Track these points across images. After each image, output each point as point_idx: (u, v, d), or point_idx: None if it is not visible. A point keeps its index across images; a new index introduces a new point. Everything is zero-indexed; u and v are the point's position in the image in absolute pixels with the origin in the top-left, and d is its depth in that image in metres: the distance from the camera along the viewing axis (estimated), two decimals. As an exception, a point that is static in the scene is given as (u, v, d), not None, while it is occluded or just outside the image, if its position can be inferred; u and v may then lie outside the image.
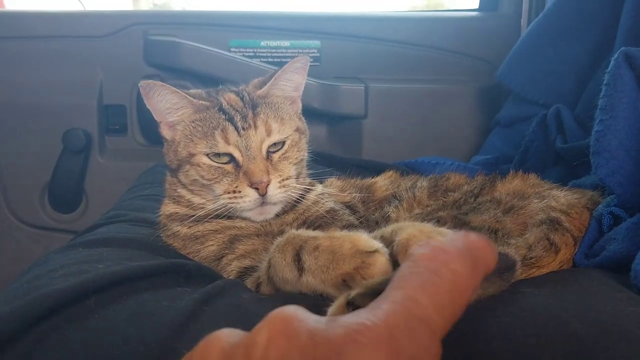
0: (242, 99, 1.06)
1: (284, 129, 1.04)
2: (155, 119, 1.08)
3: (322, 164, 1.55)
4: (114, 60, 2.06)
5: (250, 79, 1.14)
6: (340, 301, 0.54)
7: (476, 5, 2.29)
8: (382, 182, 1.22)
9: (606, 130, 0.99)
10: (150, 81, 1.03)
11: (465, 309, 0.56)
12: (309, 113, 1.96)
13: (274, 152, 1.03)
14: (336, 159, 1.75)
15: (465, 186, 1.10)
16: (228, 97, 1.07)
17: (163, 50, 2.03)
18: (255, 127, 1.00)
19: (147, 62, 2.05)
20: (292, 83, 1.11)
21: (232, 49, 2.08)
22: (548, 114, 1.57)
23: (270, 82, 1.09)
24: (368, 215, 1.13)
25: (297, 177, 1.07)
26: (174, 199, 1.10)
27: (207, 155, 1.00)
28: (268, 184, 0.97)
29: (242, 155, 0.99)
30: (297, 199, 1.07)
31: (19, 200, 2.13)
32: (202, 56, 1.98)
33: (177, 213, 1.07)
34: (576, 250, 0.88)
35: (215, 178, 1.00)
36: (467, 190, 1.07)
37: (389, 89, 2.08)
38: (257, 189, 0.97)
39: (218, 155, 1.00)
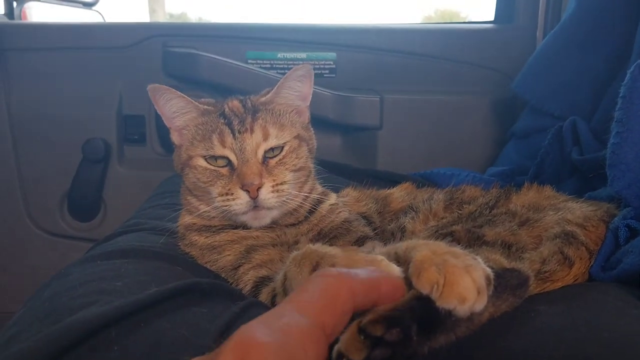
0: (244, 105, 1.09)
1: (282, 134, 1.04)
2: (166, 124, 1.11)
3: (337, 174, 1.56)
4: (134, 71, 2.09)
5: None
6: (352, 328, 0.56)
7: (492, 17, 2.29)
8: (399, 194, 1.23)
9: (622, 143, 0.99)
10: (157, 85, 1.05)
11: (478, 330, 0.62)
12: (324, 124, 2.02)
13: (271, 157, 1.03)
14: (351, 169, 1.76)
15: (481, 198, 1.10)
16: (231, 104, 1.09)
17: (181, 62, 2.06)
18: (252, 130, 1.01)
19: (166, 73, 2.09)
20: (295, 91, 1.11)
21: (249, 61, 2.11)
22: (564, 125, 1.57)
23: (274, 90, 1.10)
24: (384, 226, 1.14)
25: (301, 186, 1.08)
26: (188, 209, 1.12)
27: (205, 157, 1.03)
28: (260, 187, 0.97)
29: (237, 158, 1.00)
30: (311, 209, 1.09)
31: (39, 209, 2.16)
32: (220, 68, 2.01)
33: (195, 224, 1.09)
34: (591, 263, 0.87)
35: (211, 181, 1.01)
36: (482, 202, 1.07)
37: (404, 100, 2.09)
38: (248, 191, 0.97)
39: (215, 158, 1.02)
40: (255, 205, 0.99)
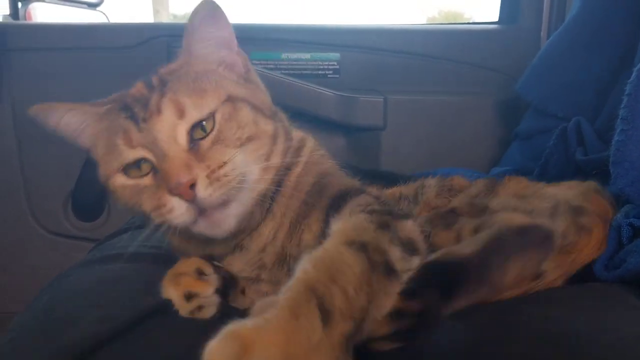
0: (147, 84, 0.85)
1: (204, 102, 0.80)
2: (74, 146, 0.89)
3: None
4: (138, 72, 2.07)
5: (270, 91, 1.04)
6: None
7: (496, 18, 2.29)
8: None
9: (627, 140, 0.99)
10: (37, 105, 0.85)
11: (475, 337, 0.63)
12: (327, 124, 2.01)
13: (201, 138, 0.79)
14: (354, 170, 1.76)
15: (472, 188, 1.10)
16: (134, 89, 0.86)
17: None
18: (159, 111, 0.78)
19: None
20: (211, 40, 0.88)
21: (253, 62, 2.10)
22: (568, 126, 1.56)
23: (183, 51, 0.89)
24: None
25: (266, 157, 0.84)
26: None
27: (123, 172, 0.81)
28: (193, 183, 0.73)
29: (154, 156, 0.78)
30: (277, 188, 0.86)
31: (43, 208, 2.17)
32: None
33: None
34: (607, 231, 0.88)
35: (136, 198, 0.80)
36: (473, 191, 1.07)
37: (407, 101, 2.09)
38: (180, 195, 0.74)
39: (135, 165, 0.80)
40: (201, 208, 0.75)
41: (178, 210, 0.74)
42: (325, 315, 0.53)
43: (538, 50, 1.96)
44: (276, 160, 0.86)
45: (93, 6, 2.91)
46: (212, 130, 0.79)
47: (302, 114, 1.97)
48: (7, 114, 2.09)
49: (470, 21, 2.83)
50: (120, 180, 0.80)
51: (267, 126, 0.86)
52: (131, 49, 2.11)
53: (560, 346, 0.61)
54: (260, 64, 2.12)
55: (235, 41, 0.91)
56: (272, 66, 2.12)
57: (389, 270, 0.61)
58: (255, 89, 0.92)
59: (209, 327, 0.70)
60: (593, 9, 1.67)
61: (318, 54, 2.13)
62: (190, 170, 0.73)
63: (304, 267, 0.59)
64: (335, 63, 2.13)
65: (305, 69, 2.11)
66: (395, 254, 0.64)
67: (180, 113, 0.78)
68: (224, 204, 0.77)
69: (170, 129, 0.78)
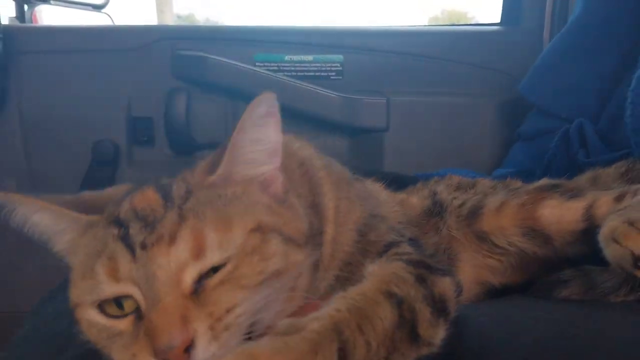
0: (165, 195, 0.64)
1: (230, 237, 0.61)
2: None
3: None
4: (143, 74, 2.11)
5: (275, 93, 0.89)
6: None
7: (498, 19, 2.29)
8: (413, 199, 1.11)
9: None
10: (5, 195, 0.66)
11: (476, 343, 0.63)
12: (330, 126, 2.02)
13: (208, 278, 0.59)
14: (359, 171, 1.76)
15: (486, 181, 1.12)
16: (141, 197, 0.65)
17: (190, 64, 2.07)
18: (173, 240, 0.58)
19: (175, 76, 2.10)
20: (261, 147, 0.68)
21: (257, 63, 2.12)
22: (570, 128, 1.57)
23: (226, 155, 0.66)
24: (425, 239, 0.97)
25: (290, 288, 0.67)
26: None
27: (97, 307, 0.61)
28: (189, 344, 0.54)
29: (143, 295, 0.58)
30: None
31: (50, 210, 2.18)
32: (228, 70, 2.02)
33: None
34: None
35: (105, 343, 0.61)
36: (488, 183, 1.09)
37: (410, 102, 2.10)
38: None
39: (117, 302, 0.60)
40: None
41: None
42: None
43: (540, 52, 1.96)
44: (305, 282, 0.70)
45: (98, 8, 2.92)
46: (223, 267, 0.60)
47: (305, 116, 2.00)
48: (13, 117, 2.11)
49: (473, 21, 2.83)
50: (90, 316, 0.61)
51: (298, 256, 0.67)
52: (136, 51, 2.12)
53: (560, 350, 0.62)
54: (264, 65, 2.13)
55: (281, 149, 0.70)
56: (275, 68, 2.13)
57: (414, 334, 0.58)
58: (292, 215, 0.70)
59: None
60: (596, 11, 1.67)
61: (321, 55, 2.13)
62: (187, 325, 0.55)
63: (337, 305, 0.56)
64: (338, 65, 2.14)
65: (308, 71, 2.12)
66: (424, 314, 0.59)
67: (199, 251, 0.59)
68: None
69: (177, 269, 0.58)
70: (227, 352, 0.54)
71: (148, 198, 0.64)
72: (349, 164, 1.00)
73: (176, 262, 0.58)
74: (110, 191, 0.74)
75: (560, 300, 0.79)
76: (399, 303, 0.59)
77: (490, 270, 0.97)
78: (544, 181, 1.02)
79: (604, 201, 0.87)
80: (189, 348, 0.54)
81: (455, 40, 2.19)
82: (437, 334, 0.60)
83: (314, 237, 0.74)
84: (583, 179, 1.19)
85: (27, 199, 0.66)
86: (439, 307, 0.62)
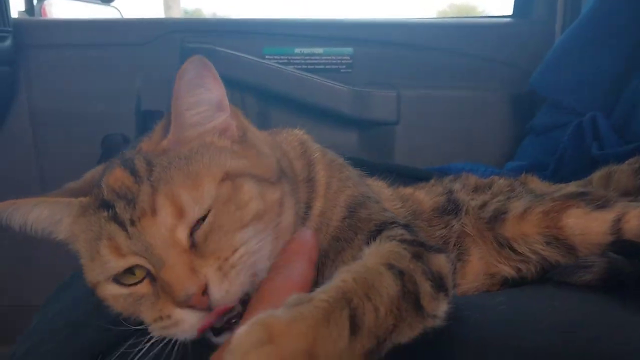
0: (132, 170, 0.69)
1: (202, 191, 0.66)
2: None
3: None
4: (152, 67, 2.11)
5: (283, 86, 0.87)
6: None
7: (510, 12, 2.28)
8: (420, 194, 1.11)
9: None
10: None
11: (490, 329, 0.63)
12: (340, 119, 2.02)
13: (196, 229, 0.66)
14: (370, 164, 1.75)
15: (501, 180, 1.10)
16: (112, 177, 0.69)
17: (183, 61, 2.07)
18: (154, 211, 0.64)
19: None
20: (204, 106, 0.73)
21: (266, 57, 2.11)
22: (584, 121, 1.56)
23: (172, 122, 0.71)
24: (431, 231, 0.99)
25: (275, 225, 0.72)
26: None
27: (114, 281, 0.68)
28: (205, 288, 0.62)
29: (150, 263, 0.65)
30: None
31: (59, 203, 2.19)
32: (237, 63, 2.01)
33: None
34: None
35: (133, 308, 0.68)
36: (503, 182, 1.07)
37: (421, 95, 2.09)
38: (191, 307, 0.62)
39: (130, 272, 0.67)
40: (214, 309, 0.63)
41: (188, 322, 0.63)
42: (354, 327, 0.54)
43: (552, 44, 1.95)
44: (289, 219, 0.75)
45: (106, 2, 2.93)
46: (205, 218, 0.66)
47: (314, 109, 1.99)
48: (23, 110, 2.12)
49: (484, 15, 2.81)
50: (111, 290, 0.68)
51: (275, 194, 0.73)
52: (145, 45, 2.12)
53: (573, 340, 0.61)
54: (274, 58, 2.12)
55: (227, 100, 0.75)
56: (285, 61, 2.12)
57: (417, 305, 0.60)
58: (256, 154, 0.76)
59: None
60: (610, 2, 1.66)
61: (331, 48, 2.12)
62: (196, 273, 0.62)
63: (343, 276, 0.59)
64: (349, 57, 2.13)
65: (318, 64, 2.11)
66: (425, 287, 0.62)
67: (179, 212, 0.65)
68: (240, 293, 0.65)
69: (167, 232, 0.64)
70: (240, 288, 0.64)
71: (119, 176, 0.69)
72: (359, 157, 0.99)
73: (165, 228, 0.64)
74: (91, 173, 0.78)
75: (578, 290, 0.78)
76: (401, 274, 0.61)
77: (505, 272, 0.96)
78: (572, 188, 1.01)
79: (634, 215, 0.84)
80: (205, 291, 0.62)
81: (466, 32, 2.18)
82: (440, 307, 0.62)
83: (308, 183, 0.82)
84: (596, 177, 1.17)
85: (20, 201, 0.71)
86: (438, 282, 0.64)
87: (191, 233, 0.65)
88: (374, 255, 0.65)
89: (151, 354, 0.66)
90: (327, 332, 0.52)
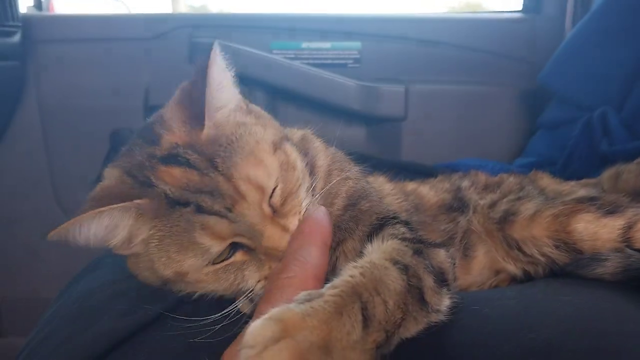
0: (191, 165, 0.72)
1: (269, 165, 0.75)
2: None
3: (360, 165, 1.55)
4: (160, 63, 2.11)
5: (291, 80, 0.87)
6: None
7: (519, 7, 2.26)
8: (424, 189, 1.13)
9: None
10: (59, 229, 0.73)
11: (503, 323, 0.64)
12: (347, 114, 2.01)
13: (269, 198, 0.75)
14: (374, 160, 1.75)
15: (511, 178, 1.10)
16: (170, 177, 0.73)
17: (207, 52, 2.07)
18: (243, 196, 0.71)
19: (192, 64, 2.09)
20: (228, 87, 0.81)
21: (273, 51, 2.11)
22: (594, 116, 1.54)
23: (206, 110, 0.75)
24: (435, 225, 1.01)
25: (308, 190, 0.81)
26: None
27: (206, 265, 0.74)
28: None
29: (249, 239, 0.73)
30: None
31: (68, 197, 2.20)
32: (245, 58, 2.01)
33: None
34: None
35: (235, 279, 0.75)
36: (513, 180, 1.08)
37: (429, 91, 2.08)
38: None
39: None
40: None
41: None
42: (366, 320, 0.56)
43: (562, 40, 1.93)
44: (306, 185, 0.82)
45: (114, -4, 2.94)
46: (276, 186, 0.75)
47: (322, 104, 1.99)
48: (32, 105, 2.12)
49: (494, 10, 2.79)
50: (206, 270, 0.74)
51: (295, 153, 0.83)
52: (153, 39, 2.12)
53: (584, 333, 0.61)
54: (281, 53, 2.12)
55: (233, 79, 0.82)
56: (292, 56, 2.12)
57: (422, 300, 0.62)
58: (268, 119, 0.85)
59: (239, 318, 0.71)
60: (621, -2, 1.64)
61: (339, 43, 2.12)
62: (288, 230, 0.74)
63: (350, 272, 0.61)
64: (356, 52, 2.12)
65: (325, 59, 2.10)
66: (428, 282, 0.64)
67: (261, 190, 0.72)
68: None
69: (259, 209, 0.72)
70: None
71: (180, 174, 0.72)
72: (366, 152, 0.99)
73: (257, 206, 0.72)
74: (114, 179, 0.78)
75: (588, 285, 0.77)
76: (406, 269, 0.63)
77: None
78: (582, 192, 1.00)
79: None
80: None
81: (475, 27, 2.16)
82: (442, 302, 0.65)
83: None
84: (605, 176, 1.17)
85: (82, 217, 0.72)
86: (439, 277, 0.67)
87: (269, 205, 0.74)
88: (377, 252, 0.68)
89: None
90: (341, 325, 0.54)
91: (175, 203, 0.71)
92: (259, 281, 0.74)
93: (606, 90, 1.63)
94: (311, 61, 2.11)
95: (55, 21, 2.23)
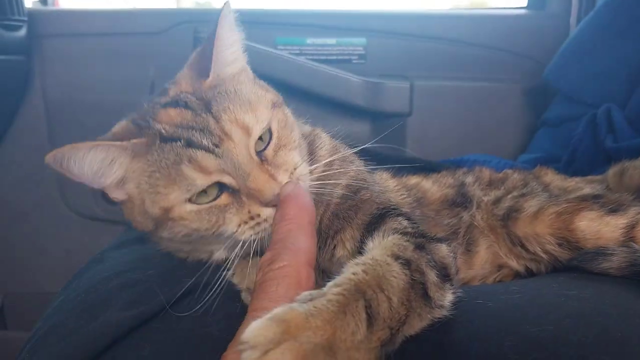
0: (187, 106, 0.79)
1: (260, 114, 0.79)
2: (92, 186, 0.81)
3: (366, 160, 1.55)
4: (166, 57, 2.10)
5: (296, 76, 0.91)
6: None
7: (524, 4, 2.26)
8: (427, 184, 1.13)
9: None
10: (55, 151, 0.76)
11: (507, 316, 0.64)
12: (353, 110, 2.01)
13: (264, 149, 0.79)
14: (380, 156, 1.75)
15: (515, 174, 1.10)
16: (167, 117, 0.79)
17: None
18: (228, 135, 0.75)
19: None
20: (236, 47, 0.87)
21: (278, 47, 2.11)
22: (598, 113, 1.55)
23: (213, 61, 0.82)
24: (438, 219, 1.01)
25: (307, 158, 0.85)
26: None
27: (190, 200, 0.76)
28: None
29: (234, 178, 0.75)
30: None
31: (74, 192, 2.21)
32: (250, 53, 2.00)
33: None
34: None
35: (217, 221, 0.77)
36: (517, 177, 1.08)
37: (434, 87, 2.08)
38: (274, 205, 0.74)
39: (204, 191, 0.76)
40: None
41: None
42: (370, 318, 0.55)
43: (566, 36, 1.93)
44: (305, 156, 0.86)
45: (119, -8, 2.94)
46: (270, 139, 0.80)
47: (327, 100, 1.99)
48: (38, 100, 2.13)
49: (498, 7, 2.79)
50: (189, 208, 0.76)
51: (296, 127, 0.88)
52: (158, 34, 2.13)
53: (590, 327, 0.62)
54: (285, 49, 2.12)
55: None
56: (297, 51, 2.12)
57: (426, 296, 0.61)
58: (271, 89, 0.90)
59: (244, 310, 0.71)
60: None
61: (344, 39, 2.12)
62: (276, 179, 0.76)
63: (353, 269, 0.61)
64: (361, 48, 2.12)
65: (330, 54, 2.10)
66: (431, 277, 0.64)
67: (246, 131, 0.77)
68: None
69: (245, 149, 0.76)
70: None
71: (176, 114, 0.79)
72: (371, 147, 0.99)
73: (241, 145, 0.75)
74: (120, 126, 0.85)
75: (592, 279, 0.78)
76: (408, 263, 0.63)
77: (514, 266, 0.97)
78: (587, 190, 1.00)
79: None
80: None
81: (480, 23, 2.16)
82: (445, 297, 0.64)
83: None
84: (611, 173, 1.17)
85: (78, 144, 0.76)
86: (442, 272, 0.66)
87: (259, 152, 0.78)
88: (378, 248, 0.68)
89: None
90: (345, 325, 0.53)
91: (168, 140, 0.76)
92: (239, 225, 0.76)
93: (611, 87, 1.63)
94: (316, 57, 2.11)
95: (60, 16, 2.23)
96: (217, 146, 0.74)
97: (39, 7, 2.40)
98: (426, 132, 2.08)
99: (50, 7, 2.46)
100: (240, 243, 0.76)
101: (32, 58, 2.10)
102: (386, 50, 2.13)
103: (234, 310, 0.73)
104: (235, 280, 0.80)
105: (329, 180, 0.85)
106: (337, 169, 0.89)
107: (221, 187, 0.77)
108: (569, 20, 2.14)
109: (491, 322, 0.64)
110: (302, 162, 0.81)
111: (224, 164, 0.74)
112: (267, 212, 0.74)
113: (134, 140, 0.78)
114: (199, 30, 2.10)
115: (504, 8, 2.43)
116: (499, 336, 0.61)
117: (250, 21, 2.27)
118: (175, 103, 0.80)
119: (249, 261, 0.77)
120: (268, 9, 2.26)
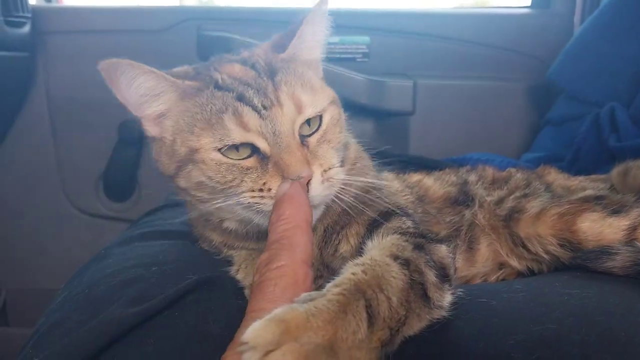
0: (253, 67, 0.81)
1: (317, 100, 0.80)
2: (132, 112, 0.83)
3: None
4: (169, 55, 2.11)
5: None
6: None
7: (528, 3, 2.25)
8: (429, 181, 1.12)
9: None
10: (113, 60, 0.78)
11: (511, 315, 0.63)
12: (356, 108, 2.00)
13: (308, 135, 0.79)
14: (385, 154, 1.74)
15: (519, 174, 1.10)
16: (230, 69, 0.82)
17: (215, 45, 2.07)
18: (280, 104, 0.76)
19: (200, 57, 2.10)
20: (318, 39, 0.88)
21: (282, 45, 2.10)
22: (602, 112, 1.54)
23: (295, 39, 0.84)
24: (439, 217, 1.00)
25: (344, 165, 0.85)
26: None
27: (219, 150, 0.76)
28: (310, 179, 0.74)
29: (268, 144, 0.75)
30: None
31: (76, 189, 2.22)
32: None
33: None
34: None
35: (234, 179, 0.77)
36: (520, 177, 1.08)
37: (437, 86, 2.08)
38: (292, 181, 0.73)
39: (235, 148, 0.76)
40: None
41: None
42: (370, 318, 0.55)
43: (571, 35, 1.93)
44: (347, 167, 0.85)
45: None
46: (318, 128, 0.80)
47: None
48: (41, 97, 2.14)
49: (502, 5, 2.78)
50: (215, 157, 0.76)
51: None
52: (162, 32, 2.13)
53: (593, 326, 0.62)
54: (289, 47, 2.11)
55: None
56: (300, 49, 2.11)
57: (425, 296, 0.61)
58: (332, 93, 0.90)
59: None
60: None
61: (347, 37, 2.12)
62: (310, 167, 0.75)
63: (352, 270, 0.61)
64: (365, 47, 2.12)
65: (334, 53, 2.10)
66: (430, 277, 0.64)
67: (299, 109, 0.78)
68: (317, 204, 0.78)
69: (291, 123, 0.76)
70: (324, 199, 0.78)
71: (240, 70, 0.81)
72: (375, 147, 1.00)
73: (288, 117, 0.76)
74: (182, 68, 0.87)
75: (595, 279, 0.77)
76: (407, 264, 0.63)
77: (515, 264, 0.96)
78: (589, 191, 0.99)
79: None
80: (308, 183, 0.74)
81: (484, 22, 2.16)
82: (444, 297, 0.64)
83: None
84: (615, 172, 1.16)
85: (136, 64, 0.78)
86: (441, 272, 0.66)
87: (300, 133, 0.78)
88: (377, 249, 0.68)
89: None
90: (346, 324, 0.53)
91: (222, 88, 0.78)
92: (249, 191, 0.76)
93: (615, 87, 1.63)
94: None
95: (64, 13, 2.24)
96: (265, 108, 0.75)
97: (43, 4, 2.40)
98: (429, 130, 2.08)
99: (54, 4, 2.46)
100: (236, 200, 0.76)
101: (35, 55, 2.11)
102: (390, 49, 2.12)
103: (237, 308, 0.73)
104: (239, 276, 0.80)
105: (348, 187, 0.83)
106: (358, 170, 0.89)
107: (254, 150, 0.76)
108: (573, 19, 2.14)
109: (494, 321, 0.64)
110: (338, 166, 0.80)
111: (265, 127, 0.75)
112: (281, 189, 0.73)
113: (188, 82, 0.80)
114: (202, 28, 2.10)
115: (508, 7, 2.42)
116: (502, 335, 0.61)
117: (254, 19, 2.30)
118: (244, 61, 0.83)
119: (253, 258, 0.77)
120: (271, 7, 2.27)
